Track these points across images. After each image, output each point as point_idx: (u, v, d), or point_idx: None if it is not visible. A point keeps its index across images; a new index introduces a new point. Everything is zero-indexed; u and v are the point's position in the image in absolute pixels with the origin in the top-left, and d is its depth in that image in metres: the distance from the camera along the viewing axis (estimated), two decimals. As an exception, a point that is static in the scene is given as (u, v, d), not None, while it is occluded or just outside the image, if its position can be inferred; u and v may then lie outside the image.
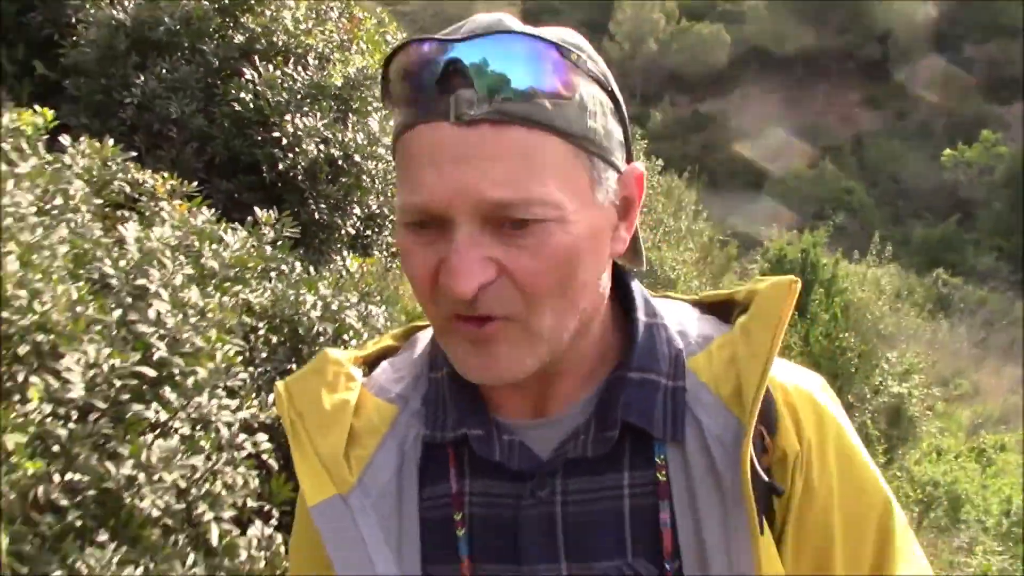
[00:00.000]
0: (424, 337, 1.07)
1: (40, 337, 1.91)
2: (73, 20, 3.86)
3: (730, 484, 0.89)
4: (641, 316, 0.97)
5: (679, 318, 1.01)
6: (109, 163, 2.87)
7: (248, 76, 3.76)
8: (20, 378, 1.88)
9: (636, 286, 1.00)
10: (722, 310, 1.03)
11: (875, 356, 16.10)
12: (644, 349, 0.95)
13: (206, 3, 3.90)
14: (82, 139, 2.87)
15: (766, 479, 0.91)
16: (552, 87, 0.81)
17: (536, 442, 0.94)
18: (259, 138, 3.73)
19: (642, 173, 0.92)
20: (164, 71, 3.68)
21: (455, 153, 0.80)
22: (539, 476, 0.93)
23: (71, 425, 1.97)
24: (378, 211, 4.33)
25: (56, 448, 1.92)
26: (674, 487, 0.91)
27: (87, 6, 3.83)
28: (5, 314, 1.87)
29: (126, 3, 3.79)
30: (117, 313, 2.21)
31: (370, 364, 1.06)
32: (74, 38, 3.80)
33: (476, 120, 0.79)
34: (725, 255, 20.18)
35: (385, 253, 4.50)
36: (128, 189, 2.90)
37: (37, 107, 2.70)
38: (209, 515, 2.18)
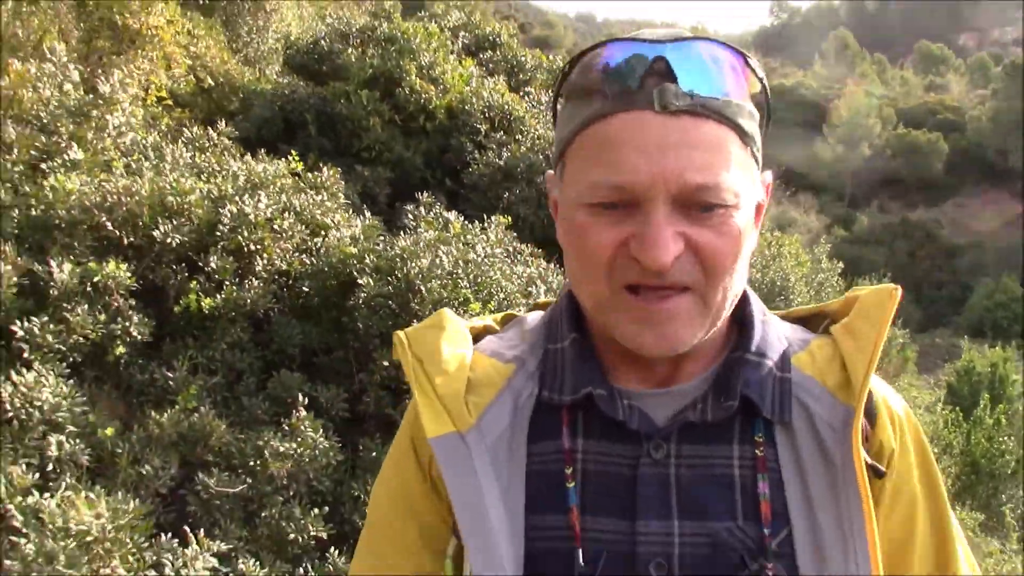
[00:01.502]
0: (532, 317, 1.19)
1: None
2: (469, 160, 7.64)
3: (840, 461, 0.99)
4: (757, 313, 1.09)
5: (778, 323, 1.13)
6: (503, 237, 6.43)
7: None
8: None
9: (751, 292, 1.11)
10: (808, 323, 1.17)
11: (1036, 463, 17.84)
12: (761, 338, 1.06)
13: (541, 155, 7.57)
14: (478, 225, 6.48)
15: (869, 460, 1.01)
16: (739, 90, 0.96)
17: (654, 410, 1.03)
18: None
19: (771, 183, 1.07)
20: (520, 190, 7.33)
21: (660, 139, 0.91)
22: (656, 439, 1.01)
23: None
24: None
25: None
26: (783, 462, 1.01)
27: (477, 155, 7.63)
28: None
29: (502, 152, 7.52)
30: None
31: (475, 337, 1.16)
32: (469, 169, 7.57)
33: (679, 111, 0.92)
34: (902, 358, 22.27)
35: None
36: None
37: (428, 196, 6.15)
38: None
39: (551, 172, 1.10)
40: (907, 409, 1.10)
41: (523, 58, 9.15)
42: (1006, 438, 17.20)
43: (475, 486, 1.00)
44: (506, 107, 7.55)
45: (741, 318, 1.09)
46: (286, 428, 4.10)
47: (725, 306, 1.00)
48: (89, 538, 3.21)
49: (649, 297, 0.95)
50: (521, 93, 8.45)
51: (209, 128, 5.48)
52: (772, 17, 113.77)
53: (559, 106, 1.05)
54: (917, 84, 66.37)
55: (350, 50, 7.75)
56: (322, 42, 8.28)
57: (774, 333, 1.09)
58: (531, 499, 1.02)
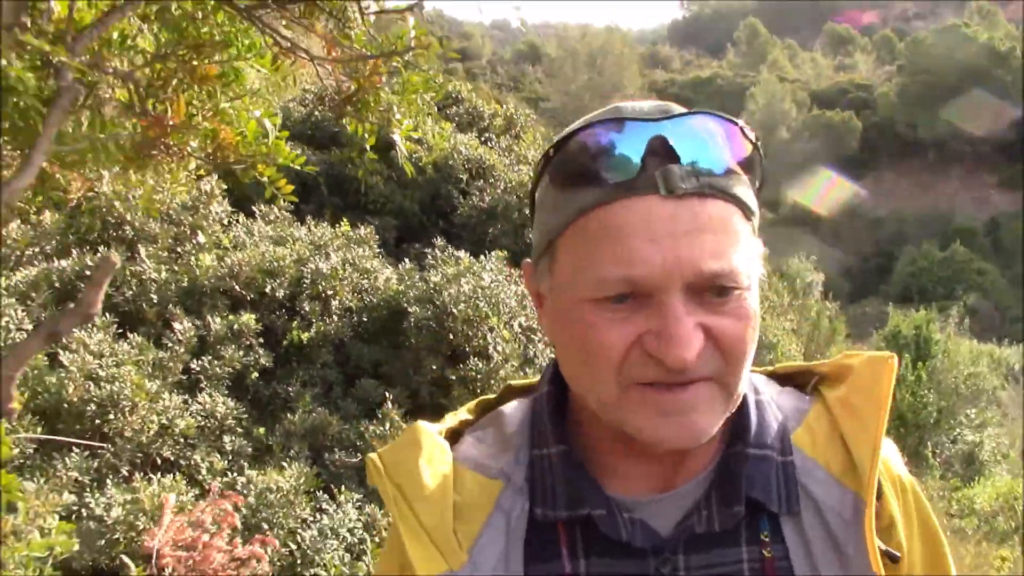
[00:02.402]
0: (511, 412, 1.11)
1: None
2: (456, 204, 9.58)
3: (852, 555, 0.96)
4: (749, 393, 1.02)
5: (767, 392, 1.07)
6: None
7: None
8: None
9: None
10: (796, 382, 1.12)
11: (955, 413, 20.39)
12: (758, 425, 1.01)
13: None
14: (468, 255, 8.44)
15: (884, 547, 0.97)
16: (741, 164, 0.92)
17: (656, 518, 0.99)
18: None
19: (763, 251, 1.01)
20: (501, 226, 9.31)
21: (671, 227, 0.86)
22: (663, 554, 0.97)
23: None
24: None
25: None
26: (794, 559, 0.97)
27: (462, 199, 9.58)
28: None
29: (483, 196, 9.48)
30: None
31: (450, 439, 1.10)
32: (458, 212, 9.51)
33: (686, 194, 0.86)
34: (832, 328, 24.70)
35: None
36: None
37: (441, 240, 8.11)
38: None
39: (528, 262, 1.04)
40: (901, 463, 1.07)
41: (482, 109, 11.17)
42: (927, 391, 19.57)
43: None
44: (480, 158, 9.55)
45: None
46: (379, 417, 6.03)
47: (743, 391, 0.95)
48: (285, 493, 5.11)
49: (667, 389, 0.89)
50: (485, 140, 10.47)
51: (272, 205, 7.40)
52: (683, 10, 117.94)
53: (541, 192, 0.98)
54: (827, 65, 70.14)
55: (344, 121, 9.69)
56: (316, 113, 10.18)
57: (770, 414, 1.04)
58: None
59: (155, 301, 5.88)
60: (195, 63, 2.18)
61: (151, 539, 3.90)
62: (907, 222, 49.86)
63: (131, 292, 5.91)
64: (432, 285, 6.76)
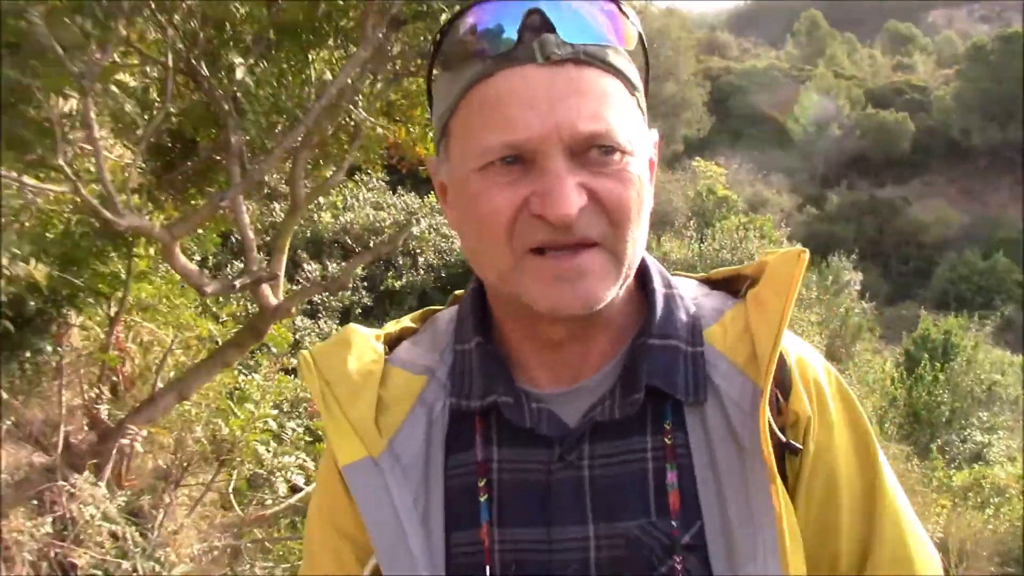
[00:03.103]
0: (445, 316, 1.16)
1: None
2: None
3: (748, 444, 0.97)
4: (659, 287, 1.07)
5: (692, 292, 1.11)
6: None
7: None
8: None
9: (651, 260, 1.08)
10: (730, 286, 1.14)
11: (968, 414, 21.80)
12: (663, 316, 1.04)
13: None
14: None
15: (783, 438, 1.00)
16: (618, 36, 0.96)
17: (563, 409, 1.02)
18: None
19: (659, 140, 1.06)
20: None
21: (547, 92, 0.90)
22: (567, 441, 1.00)
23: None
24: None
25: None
26: (694, 448, 0.99)
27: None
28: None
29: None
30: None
31: (390, 344, 1.14)
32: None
33: (562, 60, 0.91)
34: (858, 326, 26.04)
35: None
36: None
37: None
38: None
39: (432, 158, 1.08)
40: (826, 367, 1.09)
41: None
42: (943, 392, 20.98)
43: (391, 512, 1.00)
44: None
45: (645, 294, 1.07)
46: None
47: (634, 261, 0.98)
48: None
49: (558, 256, 0.92)
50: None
51: (371, 175, 9.16)
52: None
53: (436, 82, 1.03)
54: (885, 64, 70.56)
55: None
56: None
57: (679, 307, 1.06)
58: (451, 515, 1.02)
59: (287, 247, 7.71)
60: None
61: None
62: (951, 228, 50.57)
63: (268, 237, 7.72)
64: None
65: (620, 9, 0.97)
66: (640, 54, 1.01)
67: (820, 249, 39.47)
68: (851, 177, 56.04)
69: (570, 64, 0.92)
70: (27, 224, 2.63)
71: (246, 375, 4.75)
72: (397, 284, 7.80)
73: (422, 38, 3.48)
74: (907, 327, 33.19)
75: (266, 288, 3.60)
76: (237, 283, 3.47)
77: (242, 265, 5.90)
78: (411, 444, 1.03)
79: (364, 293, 7.55)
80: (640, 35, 0.99)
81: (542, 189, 0.90)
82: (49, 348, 3.56)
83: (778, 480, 0.96)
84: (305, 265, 7.14)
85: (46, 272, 2.83)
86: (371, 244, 7.96)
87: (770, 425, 0.98)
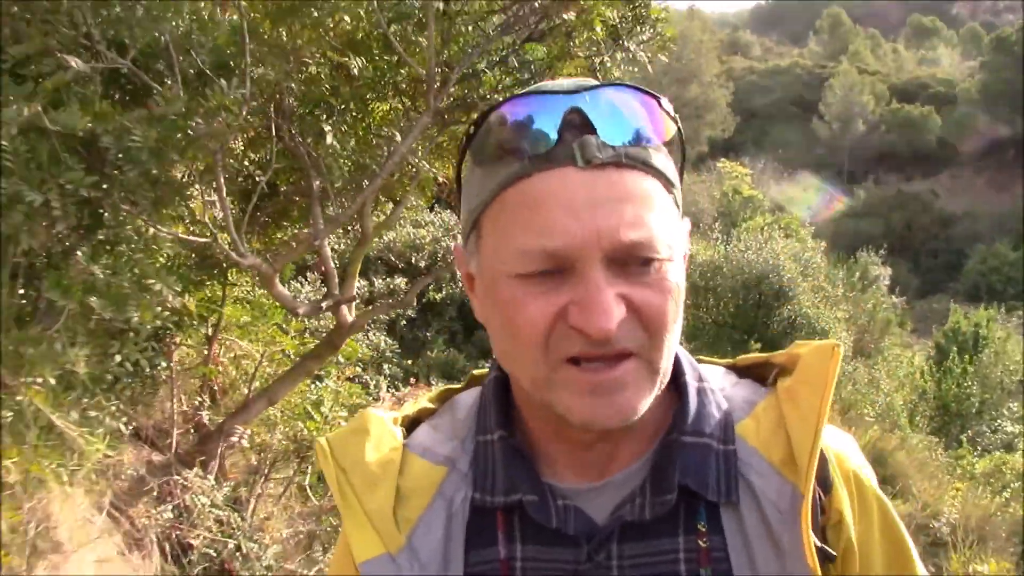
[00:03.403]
0: (465, 400, 1.13)
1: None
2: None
3: (788, 547, 0.95)
4: (691, 380, 1.04)
5: (721, 383, 1.08)
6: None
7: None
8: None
9: (682, 352, 1.05)
10: (757, 373, 1.11)
11: (998, 405, 22.16)
12: (696, 412, 1.01)
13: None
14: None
15: (819, 544, 0.97)
16: (657, 132, 0.93)
17: (591, 506, 0.99)
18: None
19: (690, 229, 1.03)
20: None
21: (589, 197, 0.87)
22: (595, 541, 0.97)
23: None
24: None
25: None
26: (731, 549, 0.97)
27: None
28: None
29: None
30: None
31: (408, 426, 1.12)
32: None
33: (603, 164, 0.88)
34: (886, 320, 26.50)
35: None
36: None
37: None
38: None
39: (458, 245, 1.05)
40: (860, 460, 1.08)
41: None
42: (972, 383, 21.33)
43: None
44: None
45: (675, 388, 1.04)
46: (491, 358, 8.55)
47: (669, 367, 0.96)
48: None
49: (594, 367, 0.90)
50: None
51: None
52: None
53: (465, 172, 1.01)
54: (909, 58, 70.73)
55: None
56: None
57: (711, 401, 1.04)
58: None
59: (337, 266, 8.46)
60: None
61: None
62: (980, 220, 50.71)
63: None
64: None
65: (659, 103, 0.95)
66: (677, 146, 0.98)
67: (848, 245, 39.90)
68: (878, 172, 56.36)
69: (611, 167, 0.89)
70: (167, 264, 3.35)
71: (317, 384, 5.50)
72: (437, 296, 8.52)
73: (466, 92, 4.18)
74: (938, 320, 33.46)
75: (343, 308, 4.33)
76: (324, 305, 4.21)
77: (308, 287, 6.64)
78: (430, 539, 1.01)
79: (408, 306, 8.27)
80: (679, 130, 0.97)
81: (581, 300, 0.88)
82: (163, 364, 4.29)
83: None
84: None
85: (194, 302, 3.53)
86: (412, 260, 8.69)
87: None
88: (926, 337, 31.23)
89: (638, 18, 4.02)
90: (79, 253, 2.90)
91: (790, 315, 20.21)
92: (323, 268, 4.23)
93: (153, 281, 2.91)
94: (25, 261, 2.79)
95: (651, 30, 4.10)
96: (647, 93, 0.95)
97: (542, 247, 0.88)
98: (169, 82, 3.10)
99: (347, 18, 3.52)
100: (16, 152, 2.62)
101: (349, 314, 4.47)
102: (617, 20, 3.79)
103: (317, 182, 3.84)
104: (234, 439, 4.42)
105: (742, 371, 1.13)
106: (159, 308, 3.04)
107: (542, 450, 1.04)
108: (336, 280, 4.29)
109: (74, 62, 2.75)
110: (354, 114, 3.71)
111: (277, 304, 4.99)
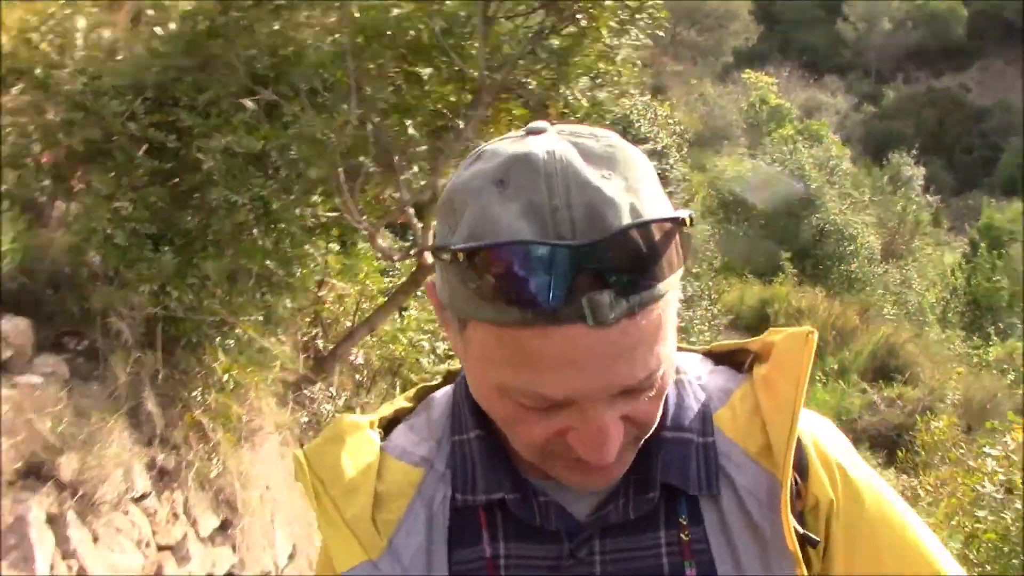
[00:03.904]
0: (440, 398, 1.13)
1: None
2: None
3: (770, 537, 0.97)
4: (670, 372, 1.00)
5: (697, 371, 1.09)
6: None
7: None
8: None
9: None
10: (733, 360, 1.13)
11: (1026, 297, 22.88)
12: (676, 407, 1.03)
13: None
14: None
15: (801, 531, 0.97)
16: (674, 267, 0.85)
17: (572, 502, 1.00)
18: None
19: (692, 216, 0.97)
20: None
21: (598, 353, 0.82)
22: (578, 538, 0.99)
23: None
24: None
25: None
26: (713, 542, 0.98)
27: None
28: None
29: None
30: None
31: (385, 427, 1.13)
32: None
33: (615, 322, 0.81)
34: (915, 220, 27.33)
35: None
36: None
37: None
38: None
39: (431, 282, 0.96)
40: (842, 439, 1.08)
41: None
42: (1001, 277, 22.12)
43: None
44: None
45: None
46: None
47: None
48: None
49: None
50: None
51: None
52: None
53: (445, 266, 0.87)
54: (935, -51, 69.63)
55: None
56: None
57: (690, 394, 1.05)
58: None
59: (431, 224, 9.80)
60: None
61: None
62: (1014, 112, 50.64)
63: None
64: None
65: (676, 227, 0.84)
66: (688, 245, 0.87)
67: (879, 147, 40.40)
68: (907, 70, 56.16)
69: (623, 320, 0.81)
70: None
71: (403, 314, 6.91)
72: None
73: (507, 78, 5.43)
74: (974, 217, 33.95)
75: (424, 253, 5.66)
76: (412, 252, 5.58)
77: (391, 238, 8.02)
78: (412, 541, 1.00)
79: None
80: (688, 235, 0.87)
81: (584, 433, 0.86)
82: (289, 303, 5.65)
83: (803, 568, 0.95)
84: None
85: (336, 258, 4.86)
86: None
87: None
88: (963, 235, 31.75)
89: (636, 11, 5.26)
90: (255, 232, 4.29)
91: (818, 223, 21.25)
92: (408, 223, 5.56)
93: (308, 247, 4.31)
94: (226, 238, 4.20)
95: (647, 18, 5.34)
96: (669, 220, 0.84)
97: (545, 395, 0.85)
98: (297, 105, 4.44)
99: (412, 32, 4.78)
100: (219, 170, 4.00)
101: (428, 257, 5.81)
102: (618, 21, 5.03)
103: (403, 162, 5.14)
104: (351, 358, 5.83)
105: (718, 358, 1.14)
106: (312, 264, 4.44)
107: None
108: (419, 232, 5.62)
109: (248, 103, 4.11)
110: (428, 109, 5.00)
111: (368, 254, 6.41)
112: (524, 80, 5.24)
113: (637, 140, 12.88)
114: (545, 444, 0.90)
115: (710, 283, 14.54)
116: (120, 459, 3.55)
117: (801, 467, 1.01)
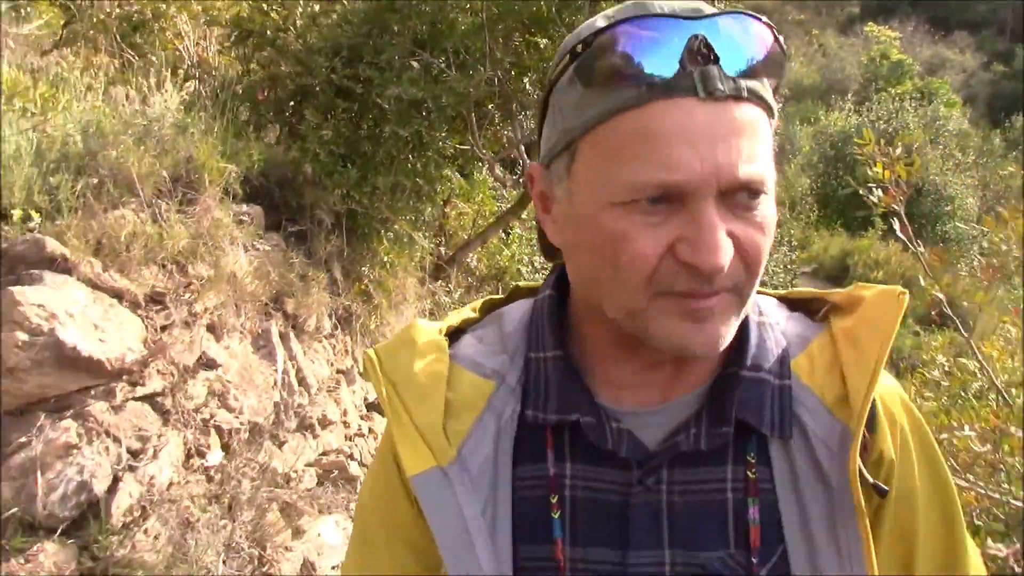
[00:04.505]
0: (512, 313, 1.15)
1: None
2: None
3: (836, 486, 0.99)
4: (752, 314, 1.06)
5: (776, 316, 1.11)
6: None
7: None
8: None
9: None
10: (807, 307, 1.15)
11: None
12: (757, 347, 1.04)
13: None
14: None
15: (871, 480, 1.00)
16: (776, 68, 0.93)
17: (643, 431, 1.02)
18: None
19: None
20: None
21: (709, 130, 0.86)
22: (647, 466, 1.01)
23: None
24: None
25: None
26: (778, 482, 1.00)
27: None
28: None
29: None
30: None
31: (452, 335, 1.14)
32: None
33: (724, 97, 0.87)
34: (1020, 188, 27.65)
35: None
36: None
37: None
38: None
39: (536, 164, 1.04)
40: (907, 403, 1.09)
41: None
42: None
43: (460, 524, 1.01)
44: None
45: None
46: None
47: (753, 300, 0.99)
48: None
49: (698, 296, 0.91)
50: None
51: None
52: None
53: (561, 89, 0.96)
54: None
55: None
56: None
57: (771, 337, 1.07)
58: (520, 528, 1.03)
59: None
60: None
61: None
62: None
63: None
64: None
65: (774, 33, 0.93)
66: (782, 72, 0.96)
67: (1006, 108, 39.91)
68: (1045, 29, 54.79)
69: (731, 100, 0.88)
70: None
71: (509, 232, 8.72)
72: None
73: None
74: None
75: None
76: (521, 180, 7.33)
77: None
78: (480, 453, 1.03)
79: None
80: (784, 56, 0.96)
81: (694, 238, 0.87)
82: (430, 210, 7.43)
83: (866, 518, 0.97)
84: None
85: (460, 182, 6.70)
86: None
87: (861, 470, 0.98)
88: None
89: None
90: (411, 157, 6.10)
91: (917, 182, 21.93)
92: (519, 159, 7.30)
93: (445, 171, 6.12)
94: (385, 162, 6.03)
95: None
96: (762, 21, 0.93)
97: (660, 180, 0.86)
98: (446, 65, 6.18)
99: (533, 8, 6.42)
100: (391, 111, 5.79)
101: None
102: None
103: (519, 110, 6.85)
104: (466, 262, 7.67)
105: (793, 304, 1.15)
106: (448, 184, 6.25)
107: (600, 371, 1.06)
108: (527, 165, 7.31)
109: (413, 63, 5.88)
110: (542, 69, 6.67)
111: (485, 180, 8.24)
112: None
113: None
114: (657, 265, 0.90)
115: (792, 231, 15.78)
116: (319, 306, 5.40)
117: (870, 423, 1.03)
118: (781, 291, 1.18)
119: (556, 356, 1.06)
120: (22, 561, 3.13)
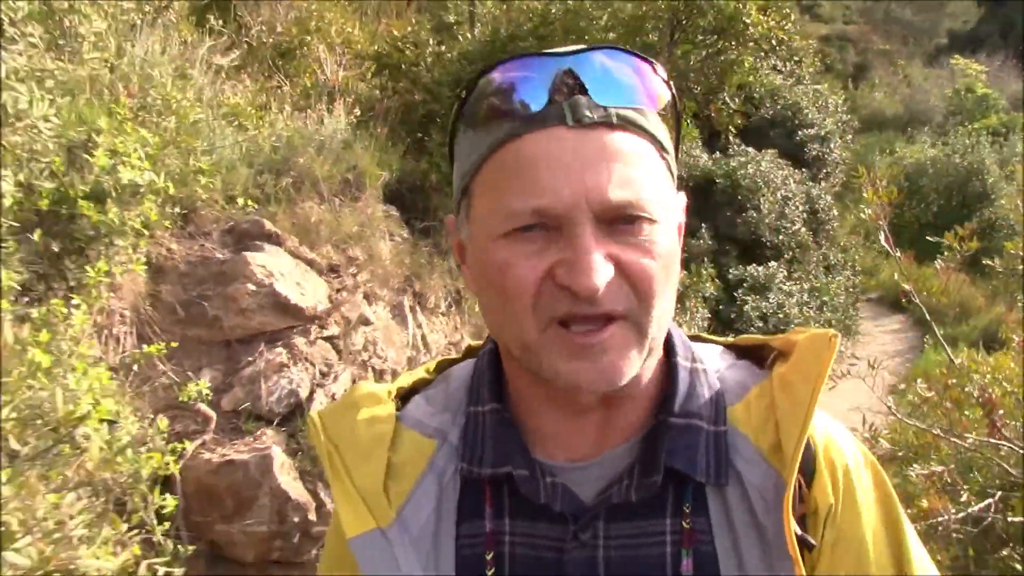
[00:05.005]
0: (459, 371, 1.18)
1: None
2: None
3: (772, 536, 1.00)
4: (682, 360, 1.08)
5: (716, 364, 1.13)
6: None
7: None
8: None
9: (676, 330, 1.10)
10: (756, 355, 1.16)
11: None
12: (686, 394, 1.06)
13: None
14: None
15: (799, 532, 1.01)
16: (650, 98, 0.97)
17: (578, 484, 1.04)
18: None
19: (687, 203, 1.07)
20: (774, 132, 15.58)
21: (578, 156, 0.91)
22: (582, 520, 1.02)
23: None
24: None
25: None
26: (716, 532, 1.02)
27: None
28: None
29: (768, 111, 15.75)
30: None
31: (403, 398, 1.17)
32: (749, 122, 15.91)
33: (594, 124, 0.92)
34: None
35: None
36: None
37: (737, 140, 14.65)
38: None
39: (451, 217, 1.08)
40: (854, 447, 1.10)
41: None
42: None
43: None
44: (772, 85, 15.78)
45: (667, 368, 1.07)
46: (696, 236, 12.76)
47: (659, 335, 1.00)
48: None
49: (582, 331, 0.93)
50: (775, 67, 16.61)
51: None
52: None
53: (458, 139, 1.02)
54: None
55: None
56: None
57: (703, 383, 1.08)
58: None
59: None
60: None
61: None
62: None
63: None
64: (731, 167, 13.25)
65: (653, 69, 0.98)
66: (671, 115, 1.00)
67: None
68: None
69: (602, 127, 0.92)
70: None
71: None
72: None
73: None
74: None
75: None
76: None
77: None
78: (421, 513, 1.04)
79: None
80: (673, 96, 1.00)
81: (569, 259, 0.90)
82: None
83: (802, 568, 0.98)
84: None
85: None
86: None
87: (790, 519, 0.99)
88: None
89: (772, 49, 8.20)
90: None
91: (990, 217, 22.56)
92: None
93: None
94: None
95: (785, 50, 8.26)
96: (641, 58, 0.97)
97: (533, 206, 0.90)
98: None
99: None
100: (434, 80, 7.19)
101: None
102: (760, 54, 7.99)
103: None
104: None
105: (741, 351, 1.18)
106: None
107: (533, 424, 1.07)
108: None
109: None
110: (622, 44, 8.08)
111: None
112: (691, 87, 8.26)
113: (803, 124, 15.49)
114: (538, 290, 0.92)
115: (857, 256, 16.72)
116: (439, 288, 6.82)
117: (807, 470, 1.04)
118: (730, 339, 1.21)
119: (493, 409, 1.08)
120: (250, 440, 4.59)
